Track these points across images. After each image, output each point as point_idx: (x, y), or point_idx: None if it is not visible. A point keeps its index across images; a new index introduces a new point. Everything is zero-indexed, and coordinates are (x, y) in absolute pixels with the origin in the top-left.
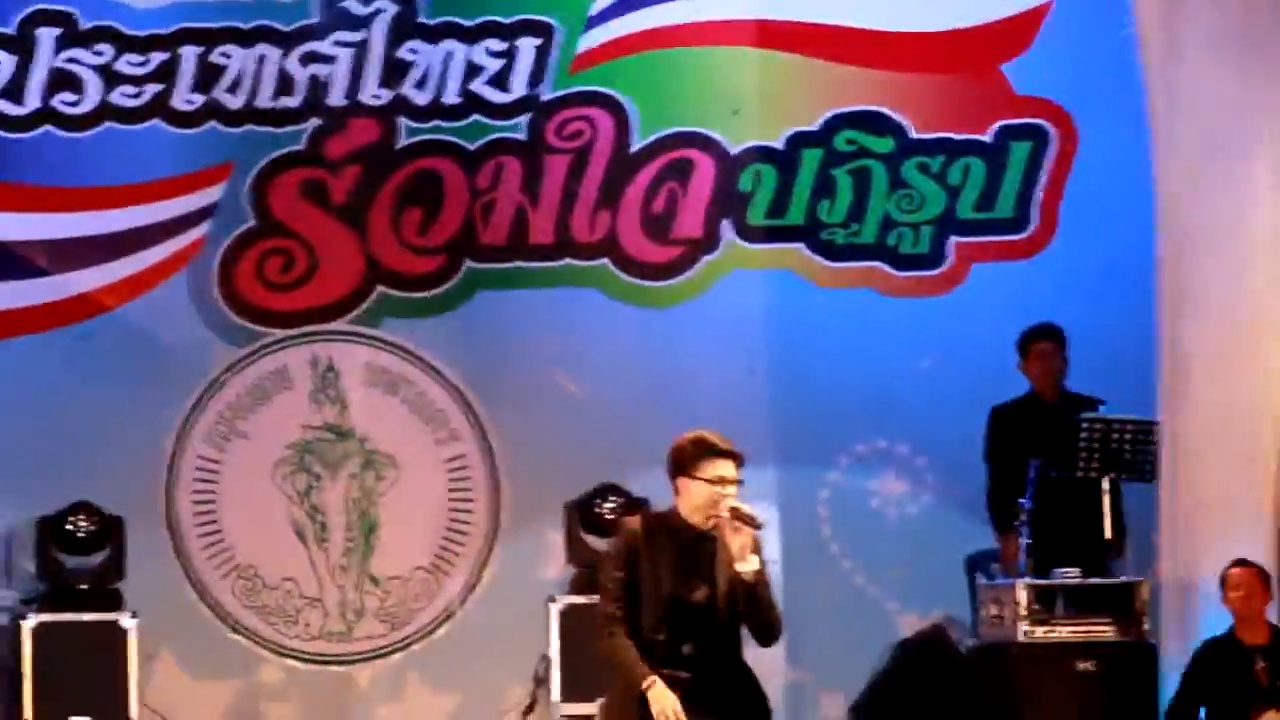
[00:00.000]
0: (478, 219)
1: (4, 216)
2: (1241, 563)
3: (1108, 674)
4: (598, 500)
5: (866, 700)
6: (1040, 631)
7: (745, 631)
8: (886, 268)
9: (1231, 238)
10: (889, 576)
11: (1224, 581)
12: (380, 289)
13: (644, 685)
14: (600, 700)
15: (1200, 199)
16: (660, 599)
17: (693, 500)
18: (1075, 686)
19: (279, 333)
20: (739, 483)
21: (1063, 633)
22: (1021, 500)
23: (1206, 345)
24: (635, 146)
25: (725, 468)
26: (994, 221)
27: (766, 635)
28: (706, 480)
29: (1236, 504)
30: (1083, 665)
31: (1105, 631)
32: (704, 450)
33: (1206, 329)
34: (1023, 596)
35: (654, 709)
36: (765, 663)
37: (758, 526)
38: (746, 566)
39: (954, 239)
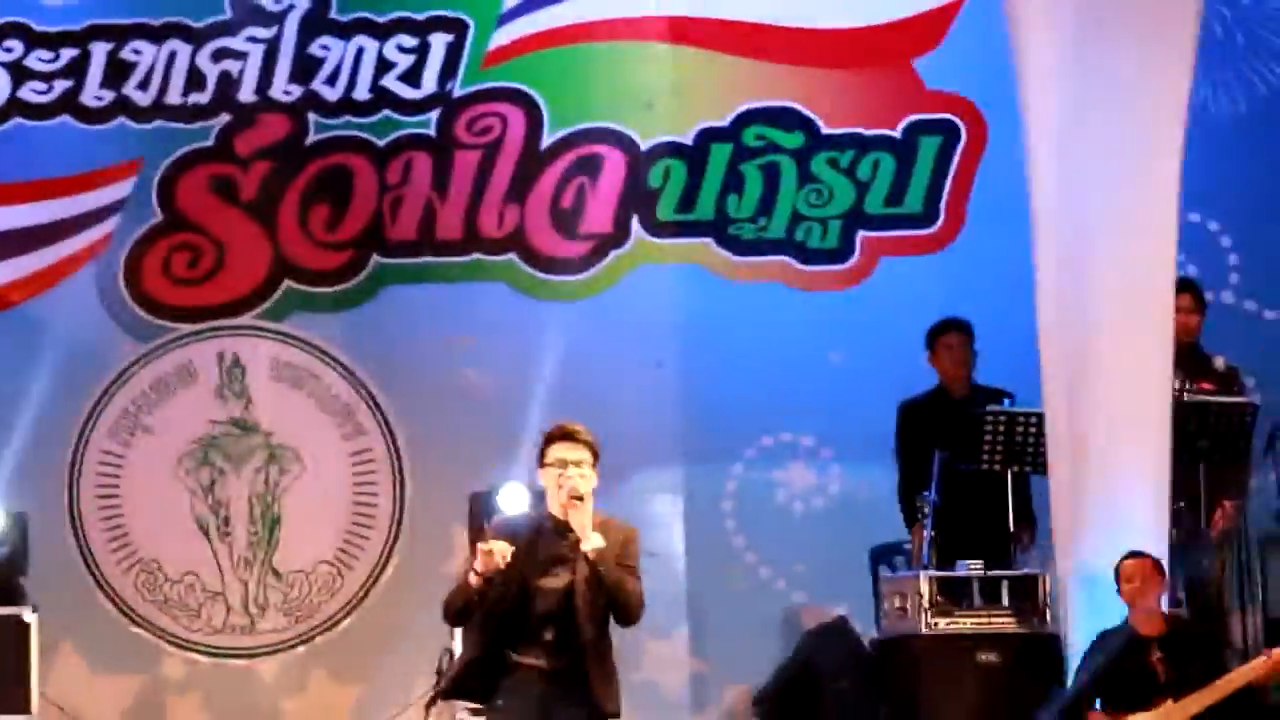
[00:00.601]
0: (386, 214)
1: None
2: (1135, 554)
3: (1011, 665)
4: (502, 494)
5: (770, 692)
6: (944, 623)
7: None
8: (795, 262)
9: (1119, 223)
10: (793, 569)
11: (1118, 573)
12: (288, 284)
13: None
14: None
15: (1081, 186)
16: (520, 588)
17: (547, 489)
18: (979, 678)
19: (185, 328)
20: (586, 465)
21: (966, 624)
22: (925, 493)
23: (1100, 336)
24: (546, 142)
25: (564, 450)
26: (903, 216)
27: (619, 614)
28: (550, 465)
29: (1138, 493)
30: (986, 657)
31: (1008, 623)
32: (550, 437)
33: (1100, 320)
34: (926, 589)
35: (484, 565)
36: (669, 655)
37: (582, 498)
38: (586, 544)
39: (862, 233)
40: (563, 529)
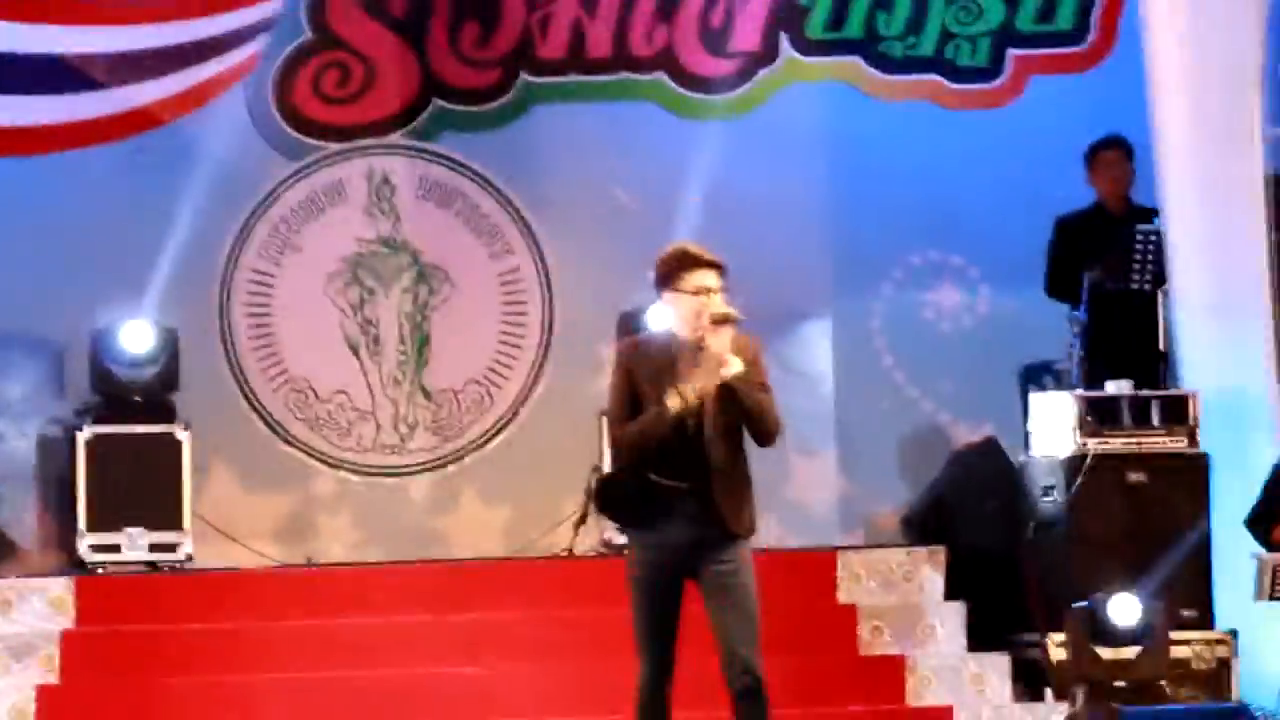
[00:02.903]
0: (535, 32)
1: (60, 30)
2: None
3: (1159, 485)
4: (650, 312)
5: (918, 512)
6: (1093, 443)
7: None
8: (944, 80)
9: None
10: (941, 389)
11: None
12: (436, 103)
13: (669, 404)
14: None
15: None
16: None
17: (679, 313)
18: (1127, 497)
19: (334, 146)
20: (722, 291)
21: (1115, 444)
22: (1075, 312)
23: None
24: None
25: (706, 277)
26: (1053, 34)
27: (759, 436)
28: (689, 292)
29: None
30: (1135, 476)
31: (1158, 443)
32: (684, 262)
33: None
34: (1075, 408)
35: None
36: (817, 475)
37: (736, 321)
38: (727, 370)
39: (1012, 51)
40: (692, 351)
